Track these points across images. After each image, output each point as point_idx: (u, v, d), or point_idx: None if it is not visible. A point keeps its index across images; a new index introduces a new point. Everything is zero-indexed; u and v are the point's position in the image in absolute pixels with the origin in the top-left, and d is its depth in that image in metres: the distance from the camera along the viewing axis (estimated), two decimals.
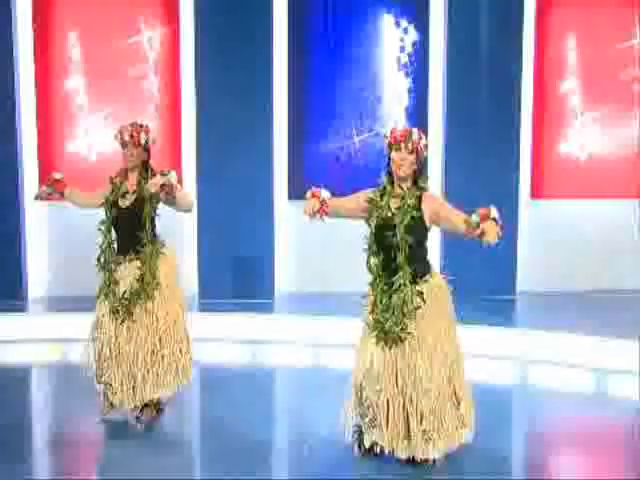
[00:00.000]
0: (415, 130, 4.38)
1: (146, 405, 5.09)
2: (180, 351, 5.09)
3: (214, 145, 8.18)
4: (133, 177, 5.01)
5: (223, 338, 7.20)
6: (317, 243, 8.42)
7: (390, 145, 4.35)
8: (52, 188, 5.23)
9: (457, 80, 8.29)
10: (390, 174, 4.40)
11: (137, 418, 5.05)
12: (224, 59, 8.11)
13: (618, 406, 5.83)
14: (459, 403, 4.41)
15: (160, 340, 5.01)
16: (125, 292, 4.94)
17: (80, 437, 5.02)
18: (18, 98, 8.17)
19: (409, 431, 4.34)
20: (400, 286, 4.29)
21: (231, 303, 7.84)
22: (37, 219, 8.47)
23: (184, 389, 5.25)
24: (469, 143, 8.26)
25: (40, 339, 7.17)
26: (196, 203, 8.24)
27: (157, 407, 5.16)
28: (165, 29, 8.40)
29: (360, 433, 4.58)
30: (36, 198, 5.37)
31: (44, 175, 8.33)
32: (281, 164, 8.52)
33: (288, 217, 8.59)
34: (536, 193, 8.68)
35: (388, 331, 4.30)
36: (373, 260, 4.38)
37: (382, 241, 4.33)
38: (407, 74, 8.53)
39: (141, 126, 5.01)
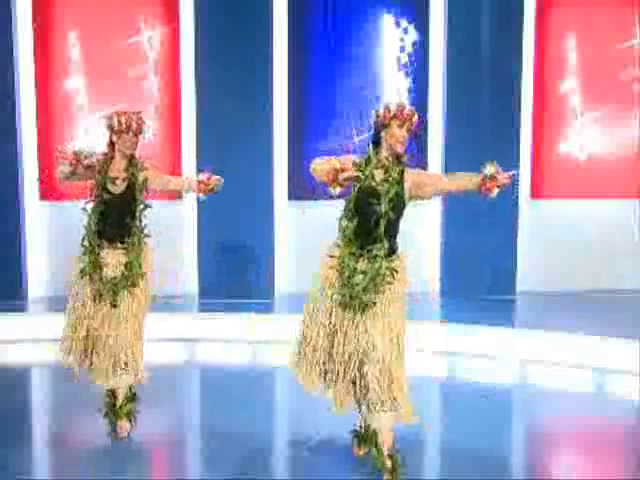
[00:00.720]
0: (415, 112, 4.36)
1: (123, 412, 5.01)
2: (142, 343, 5.05)
3: (214, 145, 8.17)
4: (120, 163, 4.97)
5: (223, 338, 7.20)
6: (317, 243, 8.40)
7: (393, 120, 4.30)
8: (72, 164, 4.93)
9: (457, 80, 8.30)
10: (376, 145, 4.39)
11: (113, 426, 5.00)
12: (224, 59, 8.12)
13: (618, 406, 5.83)
14: (391, 387, 4.28)
15: (138, 327, 4.98)
16: (114, 277, 4.92)
17: (80, 437, 5.01)
18: (18, 98, 8.17)
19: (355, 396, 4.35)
20: (376, 257, 4.30)
21: (231, 303, 7.84)
22: (37, 219, 8.47)
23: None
24: (469, 143, 8.25)
25: (40, 339, 7.16)
26: (196, 203, 8.25)
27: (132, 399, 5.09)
28: (165, 29, 8.40)
29: (359, 434, 4.58)
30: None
31: (44, 175, 8.35)
32: (281, 164, 8.52)
33: (288, 217, 8.60)
34: (536, 193, 8.69)
35: (354, 296, 4.31)
36: (347, 223, 4.37)
37: (361, 207, 4.33)
38: (407, 74, 8.53)
39: (134, 113, 4.97)
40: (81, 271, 4.98)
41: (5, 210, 8.13)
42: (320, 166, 4.22)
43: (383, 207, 4.26)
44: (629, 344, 6.48)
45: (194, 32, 8.16)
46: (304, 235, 8.53)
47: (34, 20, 8.25)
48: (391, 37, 8.50)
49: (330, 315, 4.38)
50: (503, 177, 4.09)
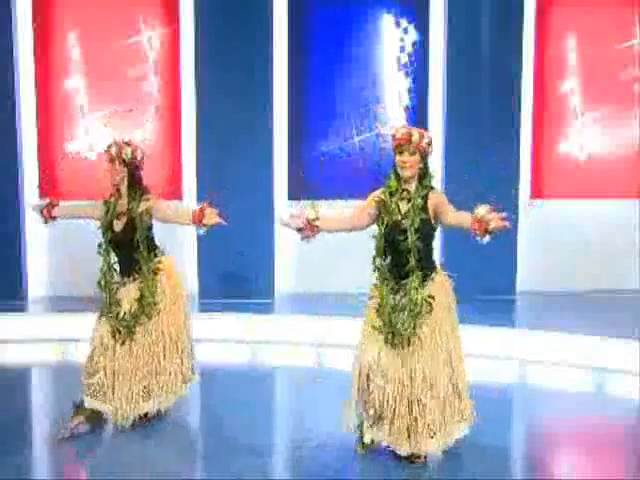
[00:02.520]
0: (415, 131, 4.40)
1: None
2: (182, 363, 5.10)
3: (214, 145, 8.17)
4: (124, 198, 4.96)
5: (223, 338, 7.20)
6: (317, 243, 8.40)
7: (393, 148, 4.39)
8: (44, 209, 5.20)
9: (457, 80, 8.29)
10: (397, 174, 4.42)
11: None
12: (224, 59, 8.11)
13: (618, 406, 5.83)
14: (460, 397, 4.45)
15: (163, 357, 5.01)
16: (126, 313, 4.93)
17: (79, 437, 5.00)
18: (18, 98, 8.17)
19: (411, 428, 4.35)
20: (411, 290, 4.31)
21: (231, 303, 7.84)
22: (37, 219, 8.43)
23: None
24: (469, 143, 8.26)
25: (40, 339, 7.17)
26: (196, 203, 8.24)
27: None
28: (165, 29, 8.40)
29: (362, 431, 4.59)
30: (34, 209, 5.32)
31: (44, 175, 8.36)
32: (281, 164, 8.52)
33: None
34: (536, 193, 8.68)
35: (397, 333, 4.33)
36: (380, 261, 4.40)
37: (392, 243, 4.36)
38: (407, 74, 8.53)
39: (127, 143, 4.95)
40: (100, 310, 5.00)
41: (5, 210, 8.13)
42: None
43: (410, 241, 4.29)
44: (629, 344, 6.48)
45: (194, 32, 8.16)
46: None
47: (34, 20, 8.25)
48: (391, 37, 8.50)
49: (378, 355, 4.39)
50: (494, 220, 4.07)
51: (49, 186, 8.30)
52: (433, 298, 4.36)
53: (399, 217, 4.36)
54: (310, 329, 7.23)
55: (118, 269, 5.02)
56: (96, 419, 5.00)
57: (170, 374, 5.05)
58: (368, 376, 4.41)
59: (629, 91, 8.57)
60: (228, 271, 8.24)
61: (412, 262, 4.32)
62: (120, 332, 4.93)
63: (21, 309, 8.00)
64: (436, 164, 8.51)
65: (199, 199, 8.21)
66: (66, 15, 8.31)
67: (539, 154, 8.65)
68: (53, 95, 8.37)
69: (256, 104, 8.16)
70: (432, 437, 4.36)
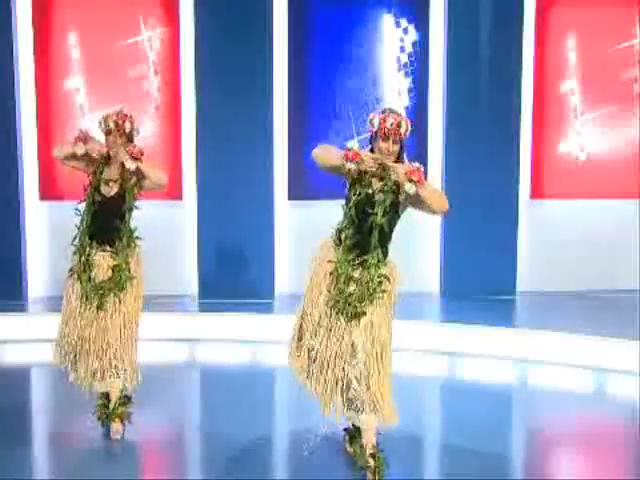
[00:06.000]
0: (403, 121, 4.27)
1: (116, 415, 4.98)
2: (134, 347, 5.03)
3: (214, 145, 8.17)
4: (115, 166, 4.93)
5: (223, 338, 7.20)
6: (317, 243, 8.41)
7: (379, 134, 4.28)
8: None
9: (457, 80, 8.29)
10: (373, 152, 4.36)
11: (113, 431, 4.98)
12: (224, 59, 8.11)
13: (618, 406, 5.84)
14: (368, 388, 4.31)
15: (125, 331, 4.94)
16: (102, 281, 4.88)
17: (79, 437, 5.01)
18: (18, 98, 8.17)
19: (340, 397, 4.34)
20: (370, 266, 4.29)
21: (231, 303, 7.84)
22: (37, 219, 8.47)
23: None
24: (469, 143, 8.26)
25: (40, 339, 7.16)
26: (196, 203, 8.26)
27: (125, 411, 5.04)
28: (165, 29, 8.40)
29: (350, 432, 4.58)
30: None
31: (44, 175, 8.36)
32: (281, 164, 8.52)
33: (288, 217, 8.59)
34: (536, 193, 8.68)
35: (350, 304, 4.30)
36: (347, 231, 4.36)
37: (359, 216, 4.32)
38: (407, 74, 8.53)
39: (126, 115, 4.94)
40: (70, 270, 4.96)
41: (5, 210, 8.13)
42: (327, 151, 4.27)
43: (378, 217, 4.26)
44: (629, 344, 6.48)
45: (194, 32, 8.16)
46: (304, 235, 8.52)
47: (34, 19, 8.23)
48: (391, 37, 8.50)
49: (320, 317, 4.38)
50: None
51: (49, 186, 8.30)
52: (387, 278, 4.33)
53: (370, 191, 4.32)
54: None
55: (92, 234, 4.92)
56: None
57: (132, 354, 4.98)
58: (317, 335, 4.40)
59: (629, 91, 8.56)
60: (228, 271, 8.24)
61: (375, 238, 4.29)
62: (88, 298, 4.89)
63: (21, 309, 8.00)
64: (436, 164, 8.54)
65: (199, 199, 8.23)
66: (66, 15, 8.30)
67: (539, 154, 8.65)
68: (53, 95, 8.37)
69: (256, 104, 8.16)
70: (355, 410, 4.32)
